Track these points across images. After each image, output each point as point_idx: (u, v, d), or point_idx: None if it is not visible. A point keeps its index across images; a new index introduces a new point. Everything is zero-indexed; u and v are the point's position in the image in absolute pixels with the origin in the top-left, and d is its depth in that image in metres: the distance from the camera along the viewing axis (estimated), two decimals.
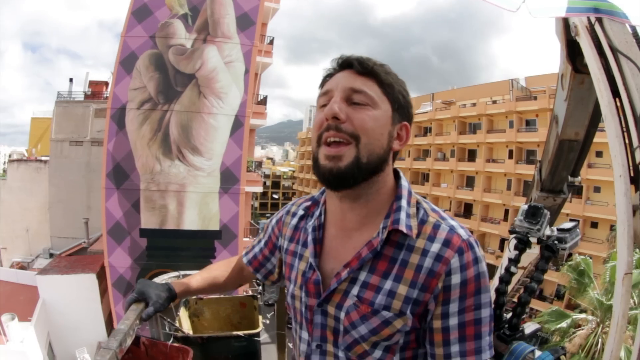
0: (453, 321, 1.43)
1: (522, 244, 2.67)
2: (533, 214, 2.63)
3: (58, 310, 19.67)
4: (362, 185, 1.50)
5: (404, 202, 1.53)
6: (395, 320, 1.46)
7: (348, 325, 1.52)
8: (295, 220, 1.82)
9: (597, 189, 35.92)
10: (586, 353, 18.59)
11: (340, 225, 1.63)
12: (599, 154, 33.51)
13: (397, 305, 1.45)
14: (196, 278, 2.13)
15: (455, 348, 1.45)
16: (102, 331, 20.17)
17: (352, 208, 1.57)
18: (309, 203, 1.82)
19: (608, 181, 33.03)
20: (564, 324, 19.37)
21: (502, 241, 42.25)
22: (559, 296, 35.77)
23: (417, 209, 1.55)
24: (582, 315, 20.03)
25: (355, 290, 1.51)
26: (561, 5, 2.51)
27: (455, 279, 1.41)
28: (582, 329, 19.34)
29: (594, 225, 35.91)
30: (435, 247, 1.44)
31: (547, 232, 2.59)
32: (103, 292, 20.34)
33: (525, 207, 2.69)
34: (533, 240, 2.69)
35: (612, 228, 29.41)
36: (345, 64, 1.54)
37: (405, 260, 1.46)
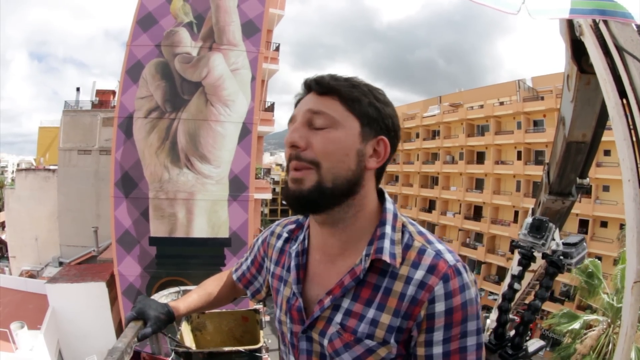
0: (437, 350, 1.38)
1: (526, 260, 2.61)
2: (538, 227, 2.57)
3: (68, 319, 19.88)
4: (336, 210, 1.45)
5: (388, 229, 1.47)
6: (379, 349, 1.42)
7: (332, 352, 1.48)
8: (280, 243, 1.78)
9: (606, 188, 35.83)
10: (597, 354, 18.59)
11: (323, 251, 1.58)
12: (607, 153, 33.41)
13: (381, 334, 1.41)
14: (193, 297, 2.10)
15: None
16: (112, 339, 20.17)
17: (333, 233, 1.51)
18: (293, 226, 1.77)
19: (617, 180, 32.93)
20: (575, 325, 19.38)
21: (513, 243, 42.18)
22: (569, 297, 35.74)
23: (403, 232, 1.48)
24: (593, 317, 20.07)
25: (338, 317, 1.47)
26: (564, 6, 2.46)
27: (440, 307, 1.35)
28: (594, 330, 19.34)
29: (604, 224, 35.83)
30: (419, 274, 1.38)
31: (553, 246, 2.53)
32: (113, 300, 20.44)
33: (530, 220, 2.63)
34: (538, 255, 2.63)
35: (622, 227, 29.40)
36: (307, 86, 1.51)
37: (389, 288, 1.41)
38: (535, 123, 42.68)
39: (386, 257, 1.40)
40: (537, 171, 39.07)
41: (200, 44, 20.49)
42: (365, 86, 1.49)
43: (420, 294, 1.36)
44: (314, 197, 1.39)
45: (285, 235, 1.77)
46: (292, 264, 1.62)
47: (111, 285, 20.29)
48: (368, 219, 1.51)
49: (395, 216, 1.51)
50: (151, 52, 20.27)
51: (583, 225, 36.56)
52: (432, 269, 1.37)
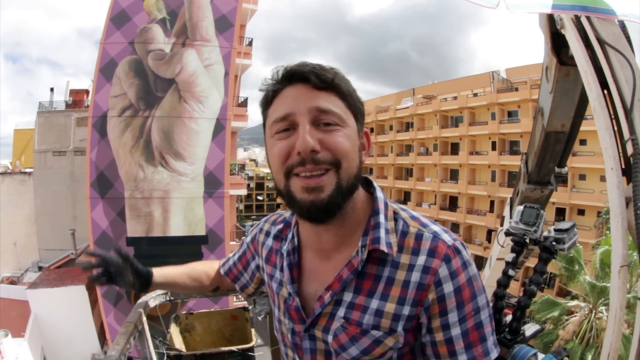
0: (455, 331, 1.37)
1: (520, 247, 2.64)
2: (529, 215, 2.60)
3: (50, 324, 19.60)
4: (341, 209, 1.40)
5: (381, 218, 1.45)
6: (386, 339, 1.40)
7: (337, 348, 1.47)
8: (270, 241, 1.75)
9: (582, 177, 36.39)
10: (580, 339, 18.73)
11: (317, 247, 1.55)
12: (582, 142, 33.91)
13: (387, 324, 1.39)
14: (173, 270, 2.06)
15: (463, 357, 1.38)
16: (94, 342, 20.15)
17: (328, 229, 1.47)
18: (281, 225, 1.74)
19: (593, 168, 33.59)
20: (556, 312, 19.53)
21: (489, 232, 42.51)
22: (548, 284, 36.05)
23: (395, 220, 1.47)
24: (574, 302, 20.23)
25: (341, 312, 1.45)
26: (540, 1, 2.49)
27: (448, 287, 1.34)
28: (575, 316, 19.49)
29: (581, 212, 36.32)
30: (421, 260, 1.37)
31: (545, 233, 2.57)
32: (93, 303, 20.27)
33: (521, 208, 2.66)
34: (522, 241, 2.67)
35: (599, 214, 29.76)
36: (297, 76, 1.40)
37: (391, 277, 1.40)
38: (510, 114, 43.15)
39: (383, 247, 1.39)
40: (512, 161, 39.60)
41: (174, 40, 20.39)
42: (346, 78, 1.46)
43: (426, 279, 1.35)
44: (336, 202, 1.35)
45: (274, 233, 1.74)
46: (285, 263, 1.60)
47: (91, 288, 20.05)
48: (361, 209, 1.49)
49: (386, 204, 1.51)
50: (124, 50, 20.12)
51: (560, 213, 37.00)
52: (432, 252, 1.36)
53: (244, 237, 2.03)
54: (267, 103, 1.47)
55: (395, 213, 1.49)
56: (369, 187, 1.56)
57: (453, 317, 1.36)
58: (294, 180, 1.35)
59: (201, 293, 2.26)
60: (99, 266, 1.85)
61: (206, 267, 2.16)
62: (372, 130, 59.08)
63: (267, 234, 1.78)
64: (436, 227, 1.43)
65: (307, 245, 1.60)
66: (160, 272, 1.99)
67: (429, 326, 1.40)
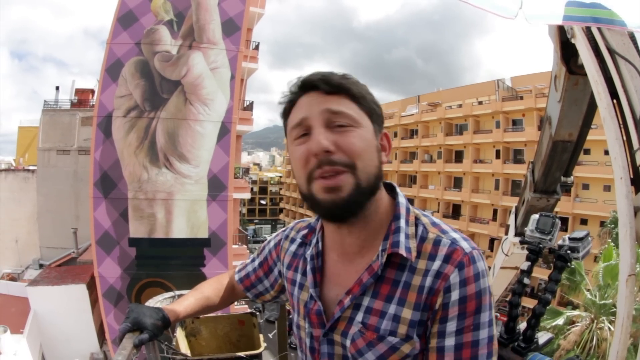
0: (449, 342, 1.33)
1: (534, 255, 2.63)
2: (544, 224, 2.60)
3: (50, 322, 19.63)
4: (364, 209, 1.41)
5: (402, 222, 1.45)
6: (402, 346, 1.38)
7: (355, 353, 1.45)
8: (294, 247, 1.75)
9: (585, 186, 36.34)
10: (582, 349, 18.70)
11: (341, 251, 1.54)
12: (586, 152, 33.73)
13: (404, 330, 1.37)
14: (189, 300, 2.03)
15: None
16: (94, 342, 20.17)
17: (351, 232, 1.47)
18: (305, 231, 1.74)
19: (596, 178, 33.58)
20: (558, 322, 19.50)
21: (492, 241, 42.42)
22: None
23: (416, 225, 1.46)
24: (576, 312, 20.20)
25: (359, 316, 1.44)
26: (559, 12, 2.48)
27: (455, 295, 1.32)
28: (577, 326, 19.47)
29: (584, 222, 36.24)
30: (436, 265, 1.35)
31: (559, 241, 2.56)
32: (94, 302, 20.25)
33: (537, 217, 2.65)
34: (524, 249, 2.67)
35: (602, 224, 29.72)
36: (308, 85, 1.44)
37: (408, 282, 1.38)
38: (514, 122, 43.08)
39: (402, 251, 1.38)
40: (516, 170, 39.55)
41: (180, 42, 20.40)
42: (360, 83, 1.47)
43: (437, 284, 1.33)
44: (357, 200, 1.36)
45: (299, 240, 1.74)
46: (308, 267, 1.60)
47: (92, 287, 20.10)
48: (384, 213, 1.49)
49: (408, 210, 1.50)
50: (131, 50, 20.15)
51: (563, 222, 36.52)
52: (447, 258, 1.35)
53: (264, 243, 2.02)
54: (286, 113, 1.50)
55: (416, 219, 1.48)
56: (392, 192, 1.55)
57: (451, 326, 1.33)
58: (316, 183, 1.36)
59: (217, 310, 2.22)
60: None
61: (217, 287, 2.15)
62: None
63: (292, 240, 1.79)
64: (456, 234, 1.42)
65: (331, 249, 1.60)
66: (175, 311, 1.96)
67: (430, 331, 1.38)
